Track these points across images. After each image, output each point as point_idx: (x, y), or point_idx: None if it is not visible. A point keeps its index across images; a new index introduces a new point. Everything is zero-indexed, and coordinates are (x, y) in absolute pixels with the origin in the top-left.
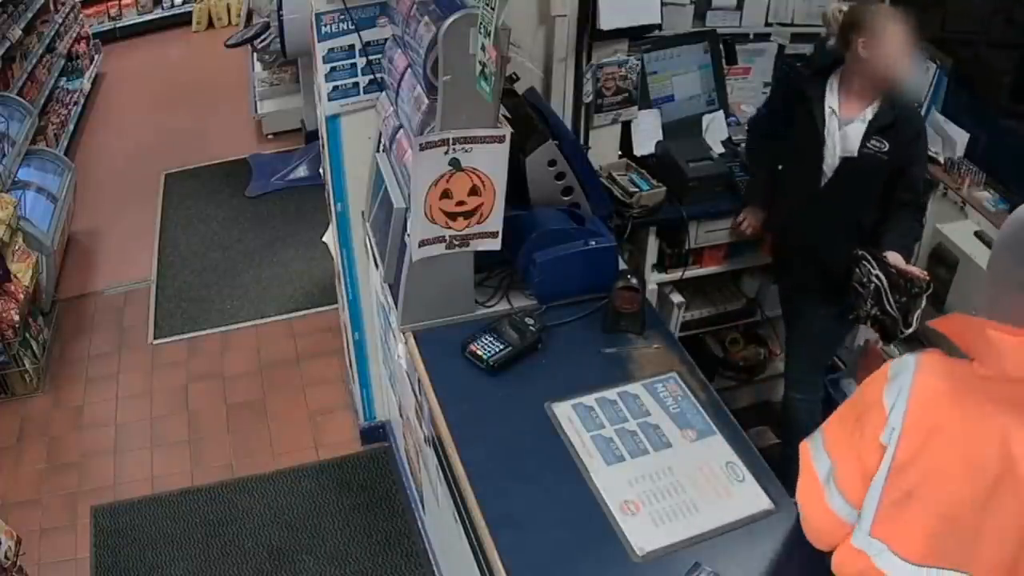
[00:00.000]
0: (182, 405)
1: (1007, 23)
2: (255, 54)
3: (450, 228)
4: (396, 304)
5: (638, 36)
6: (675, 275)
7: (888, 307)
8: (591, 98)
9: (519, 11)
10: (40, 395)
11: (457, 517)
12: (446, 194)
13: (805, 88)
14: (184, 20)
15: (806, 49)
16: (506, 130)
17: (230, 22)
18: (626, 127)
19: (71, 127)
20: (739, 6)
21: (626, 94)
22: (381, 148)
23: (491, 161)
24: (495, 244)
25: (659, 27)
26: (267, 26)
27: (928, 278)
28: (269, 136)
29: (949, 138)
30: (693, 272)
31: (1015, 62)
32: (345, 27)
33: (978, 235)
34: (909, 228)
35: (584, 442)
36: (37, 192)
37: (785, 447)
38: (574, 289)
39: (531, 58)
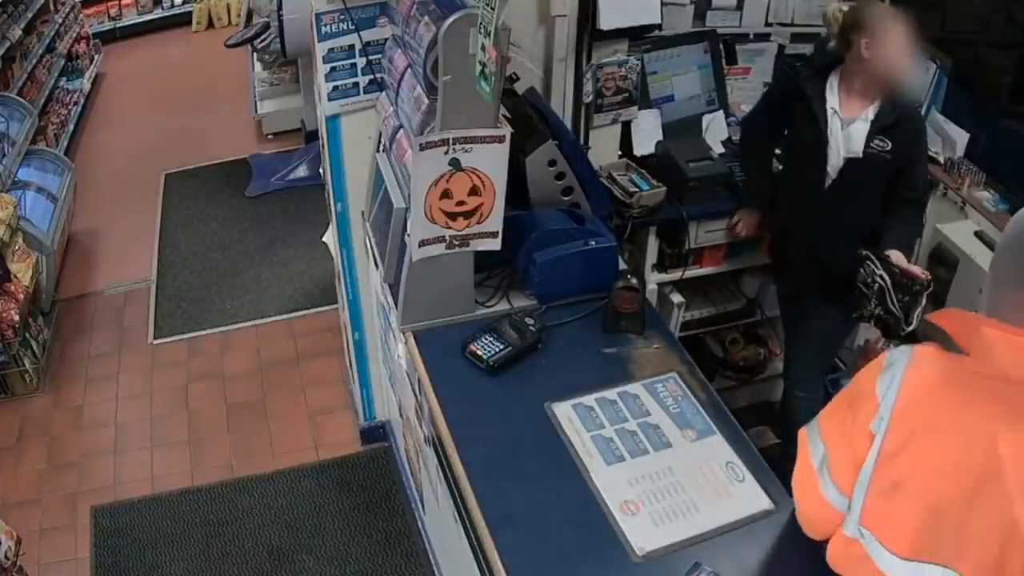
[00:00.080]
0: (182, 405)
1: (1007, 23)
2: (255, 54)
3: (450, 228)
4: (396, 304)
5: (638, 36)
6: (675, 275)
7: (891, 306)
8: (591, 98)
9: (519, 11)
10: (40, 395)
11: (457, 517)
12: (446, 194)
13: (804, 87)
14: (184, 20)
15: (806, 49)
16: (506, 130)
17: (230, 22)
18: (626, 127)
19: (71, 127)
20: (739, 6)
21: (626, 94)
22: (381, 148)
23: (491, 161)
24: (495, 244)
25: (659, 27)
26: (267, 26)
27: (929, 277)
28: (269, 136)
29: (949, 138)
30: (693, 272)
31: (1015, 62)
32: (345, 27)
33: (978, 235)
34: (910, 226)
35: (584, 442)
36: (37, 192)
37: (785, 447)
38: (574, 289)
39: (531, 58)
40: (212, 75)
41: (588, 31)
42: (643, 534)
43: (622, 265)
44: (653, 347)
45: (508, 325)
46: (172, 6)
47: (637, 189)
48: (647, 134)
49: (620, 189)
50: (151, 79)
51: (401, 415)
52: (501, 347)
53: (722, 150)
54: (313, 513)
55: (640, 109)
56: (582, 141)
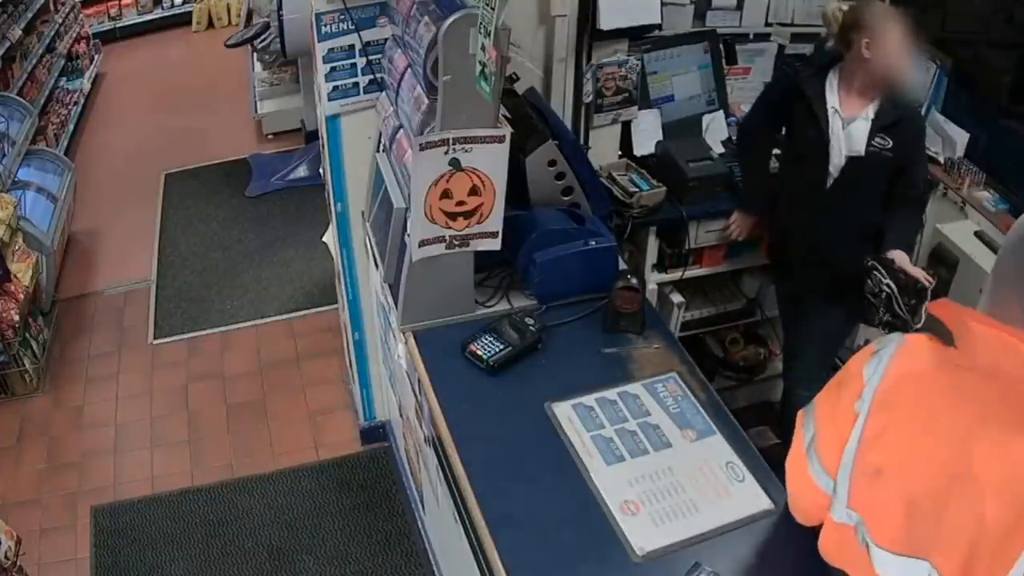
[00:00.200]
0: (182, 405)
1: (1007, 23)
2: (255, 54)
3: (450, 228)
4: (396, 304)
5: (638, 36)
6: (675, 275)
7: (899, 311)
8: (591, 98)
9: (519, 11)
10: (40, 395)
11: (457, 517)
12: (446, 194)
13: (804, 86)
14: (184, 20)
15: (806, 49)
16: (506, 130)
17: (230, 22)
18: (626, 127)
19: (71, 127)
20: (739, 6)
21: (626, 94)
22: (381, 148)
23: (491, 161)
24: (495, 244)
25: (659, 27)
26: (267, 26)
27: (933, 279)
28: (269, 136)
29: (949, 138)
30: (693, 272)
31: (1015, 62)
32: (345, 27)
33: (978, 235)
34: (911, 224)
35: (584, 442)
36: (37, 192)
37: (785, 446)
38: (574, 289)
39: (531, 58)
40: (212, 75)
41: (588, 31)
42: (643, 534)
43: (622, 265)
44: (653, 347)
45: (508, 325)
46: (172, 6)
47: (637, 189)
48: (647, 134)
49: (620, 189)
50: (151, 79)
51: (401, 415)
52: (501, 347)
53: (722, 150)
54: (313, 513)
55: (640, 109)
56: (582, 141)
